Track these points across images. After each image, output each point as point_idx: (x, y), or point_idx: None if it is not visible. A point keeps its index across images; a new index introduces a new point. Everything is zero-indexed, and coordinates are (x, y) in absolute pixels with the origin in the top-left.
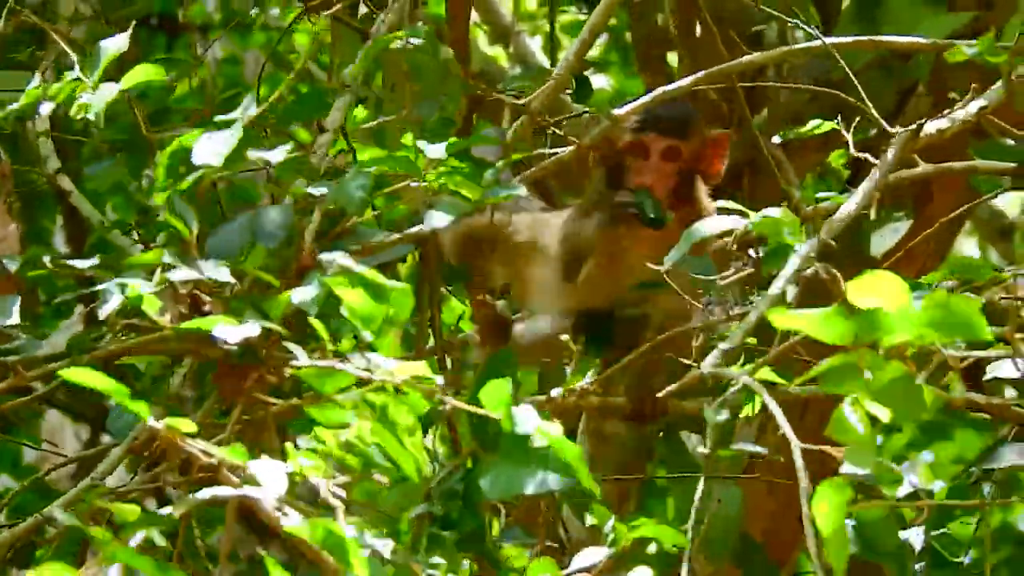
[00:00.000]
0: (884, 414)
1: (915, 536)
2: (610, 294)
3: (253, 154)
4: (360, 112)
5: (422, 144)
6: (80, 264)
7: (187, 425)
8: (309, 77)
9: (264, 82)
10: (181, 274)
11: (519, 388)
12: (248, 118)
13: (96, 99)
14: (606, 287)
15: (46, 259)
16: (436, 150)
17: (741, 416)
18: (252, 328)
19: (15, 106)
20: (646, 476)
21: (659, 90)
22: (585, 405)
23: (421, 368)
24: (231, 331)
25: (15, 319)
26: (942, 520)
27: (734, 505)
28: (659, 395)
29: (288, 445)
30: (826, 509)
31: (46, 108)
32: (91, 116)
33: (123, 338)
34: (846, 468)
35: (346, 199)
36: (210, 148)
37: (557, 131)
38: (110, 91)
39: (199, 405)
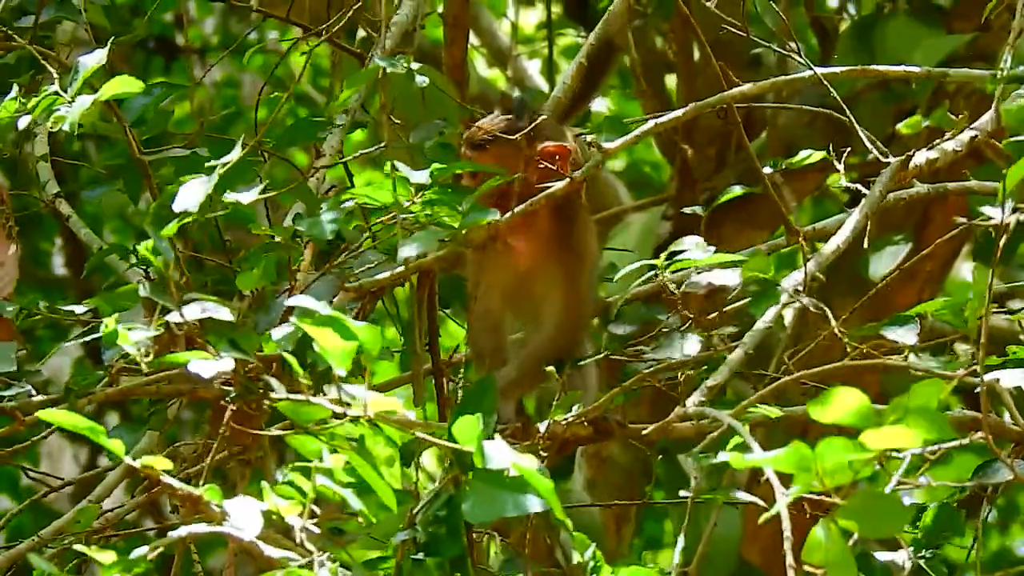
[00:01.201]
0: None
1: (903, 559)
2: (510, 309)
3: (229, 197)
4: (358, 136)
5: (405, 170)
6: (78, 310)
7: (162, 463)
8: (308, 101)
9: (262, 105)
10: (187, 312)
11: (490, 415)
12: (229, 163)
13: (72, 111)
14: (501, 304)
15: (41, 304)
16: (420, 176)
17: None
18: (226, 363)
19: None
20: (644, 499)
21: (652, 121)
22: (572, 434)
23: (392, 403)
24: (205, 366)
25: (12, 367)
26: (934, 542)
27: (732, 528)
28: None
29: (263, 484)
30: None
31: (23, 122)
32: (66, 127)
33: (125, 378)
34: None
35: (319, 233)
36: (189, 196)
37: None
38: (85, 102)
39: (197, 428)
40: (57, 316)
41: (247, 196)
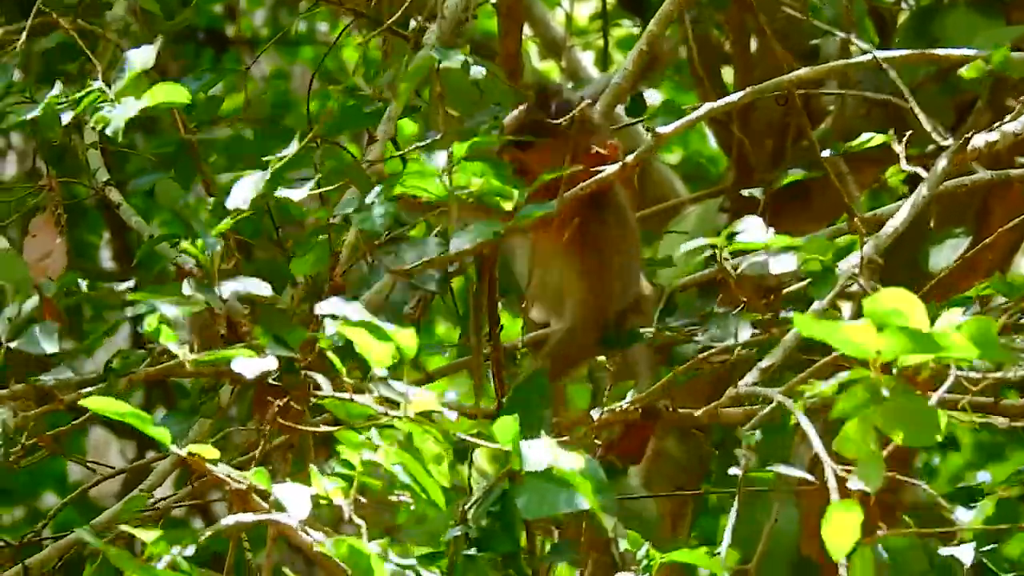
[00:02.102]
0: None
1: (964, 553)
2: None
3: (281, 193)
4: (410, 125)
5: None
6: (118, 287)
7: (209, 451)
8: (358, 92)
9: (312, 97)
10: (225, 290)
11: (549, 411)
12: (285, 158)
13: (116, 115)
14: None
15: (82, 283)
16: (459, 149)
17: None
18: (269, 362)
19: (35, 112)
20: (700, 494)
21: (707, 106)
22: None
23: (434, 402)
24: (249, 364)
25: (55, 347)
26: (995, 537)
27: (791, 524)
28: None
29: (312, 468)
30: (837, 532)
31: (66, 117)
32: (108, 131)
33: (163, 358)
34: (854, 484)
35: (370, 225)
36: (242, 193)
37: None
38: (130, 108)
39: (246, 422)
40: (97, 293)
41: (298, 193)
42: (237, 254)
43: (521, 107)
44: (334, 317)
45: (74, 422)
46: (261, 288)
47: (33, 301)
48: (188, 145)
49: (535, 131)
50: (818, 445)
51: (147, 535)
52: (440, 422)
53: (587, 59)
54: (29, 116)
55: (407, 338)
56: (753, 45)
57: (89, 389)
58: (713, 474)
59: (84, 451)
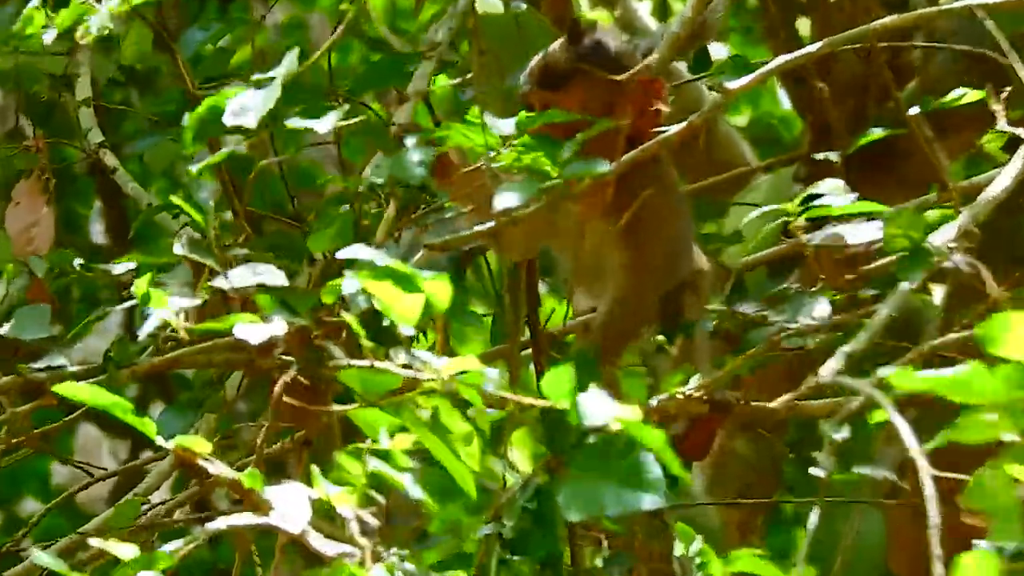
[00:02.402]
0: None
1: None
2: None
3: (295, 122)
4: (445, 82)
5: (490, 119)
6: (116, 269)
7: (201, 445)
8: (384, 45)
9: (333, 50)
10: (235, 277)
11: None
12: (296, 71)
13: (98, 16)
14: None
15: (76, 262)
16: (506, 125)
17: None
18: (277, 326)
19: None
20: (772, 501)
21: (780, 59)
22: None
23: (472, 363)
24: (253, 330)
25: (46, 331)
26: None
27: (875, 535)
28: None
29: (314, 468)
30: None
31: (50, 36)
32: (93, 30)
33: (168, 345)
34: (989, 544)
35: (405, 173)
36: (244, 107)
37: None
38: (112, 4)
39: (255, 418)
40: (92, 275)
41: (323, 123)
42: (246, 227)
43: (550, 47)
44: (354, 266)
45: (66, 418)
46: (275, 277)
47: (20, 280)
48: (193, 103)
49: (566, 70)
50: (913, 445)
51: (123, 550)
52: (478, 388)
53: (644, 8)
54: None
55: (439, 288)
56: None
57: (86, 383)
58: (787, 477)
59: (71, 450)
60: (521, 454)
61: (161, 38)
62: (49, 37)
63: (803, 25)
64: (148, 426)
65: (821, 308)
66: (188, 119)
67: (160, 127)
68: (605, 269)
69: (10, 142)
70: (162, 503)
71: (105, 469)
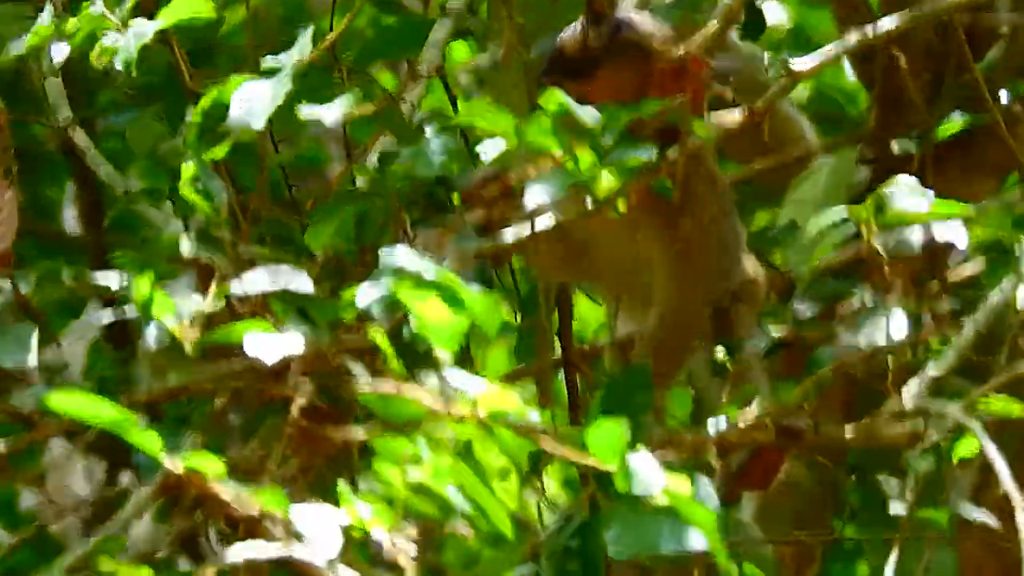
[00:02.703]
0: None
1: None
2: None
3: (306, 111)
4: (463, 50)
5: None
6: (109, 281)
7: (213, 465)
8: (396, 6)
9: (337, 11)
10: (248, 284)
11: (644, 417)
12: (301, 63)
13: (126, 41)
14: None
15: (65, 274)
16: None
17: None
18: (294, 341)
19: (18, 45)
20: (832, 533)
21: (851, 36)
22: (754, 439)
23: (512, 399)
24: (267, 344)
25: (33, 357)
26: None
27: (946, 573)
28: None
29: (342, 488)
30: None
31: (59, 52)
32: (118, 64)
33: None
34: None
35: (424, 164)
36: (249, 104)
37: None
38: (144, 31)
39: (247, 433)
40: (77, 286)
41: (331, 111)
42: (243, 219)
43: (567, 29)
44: (394, 274)
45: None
46: (301, 281)
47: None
48: (178, 73)
49: (593, 56)
50: (1008, 480)
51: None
52: (518, 426)
53: None
54: None
55: (488, 306)
56: None
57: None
58: (849, 504)
59: (40, 469)
60: (553, 479)
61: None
62: (58, 53)
63: None
64: (152, 443)
65: (898, 325)
66: (190, 115)
67: (140, 102)
68: (649, 282)
69: None
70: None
71: (77, 492)
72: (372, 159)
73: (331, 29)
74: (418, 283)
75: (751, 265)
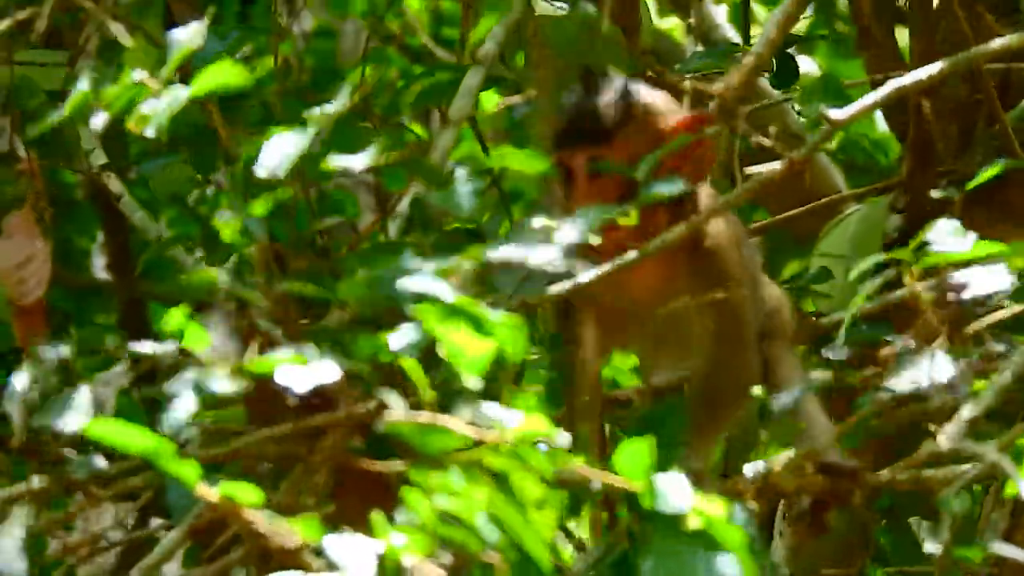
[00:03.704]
0: None
1: None
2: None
3: (336, 161)
4: (493, 98)
5: None
6: (158, 350)
7: (249, 494)
8: (427, 56)
9: (367, 60)
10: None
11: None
12: (334, 115)
13: (160, 106)
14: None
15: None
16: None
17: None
18: (329, 371)
19: (60, 112)
20: (863, 574)
21: (888, 86)
22: (784, 487)
23: (543, 423)
24: (299, 375)
25: (85, 420)
26: None
27: None
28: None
29: (376, 516)
30: None
31: (99, 120)
32: (150, 132)
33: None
34: None
35: (454, 206)
36: (277, 156)
37: (759, 140)
38: (177, 97)
39: (277, 478)
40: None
41: (359, 160)
42: (273, 266)
43: (565, 96)
44: (420, 300)
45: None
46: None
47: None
48: (208, 122)
49: (612, 121)
50: None
51: None
52: (552, 454)
53: (720, 14)
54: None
55: (514, 330)
56: None
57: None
58: (880, 545)
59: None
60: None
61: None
62: (97, 122)
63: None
64: (189, 471)
65: (942, 370)
66: (228, 177)
67: (173, 149)
68: (687, 337)
69: (2, 165)
70: None
71: (106, 533)
72: (403, 205)
73: (362, 78)
74: (442, 309)
75: (774, 292)
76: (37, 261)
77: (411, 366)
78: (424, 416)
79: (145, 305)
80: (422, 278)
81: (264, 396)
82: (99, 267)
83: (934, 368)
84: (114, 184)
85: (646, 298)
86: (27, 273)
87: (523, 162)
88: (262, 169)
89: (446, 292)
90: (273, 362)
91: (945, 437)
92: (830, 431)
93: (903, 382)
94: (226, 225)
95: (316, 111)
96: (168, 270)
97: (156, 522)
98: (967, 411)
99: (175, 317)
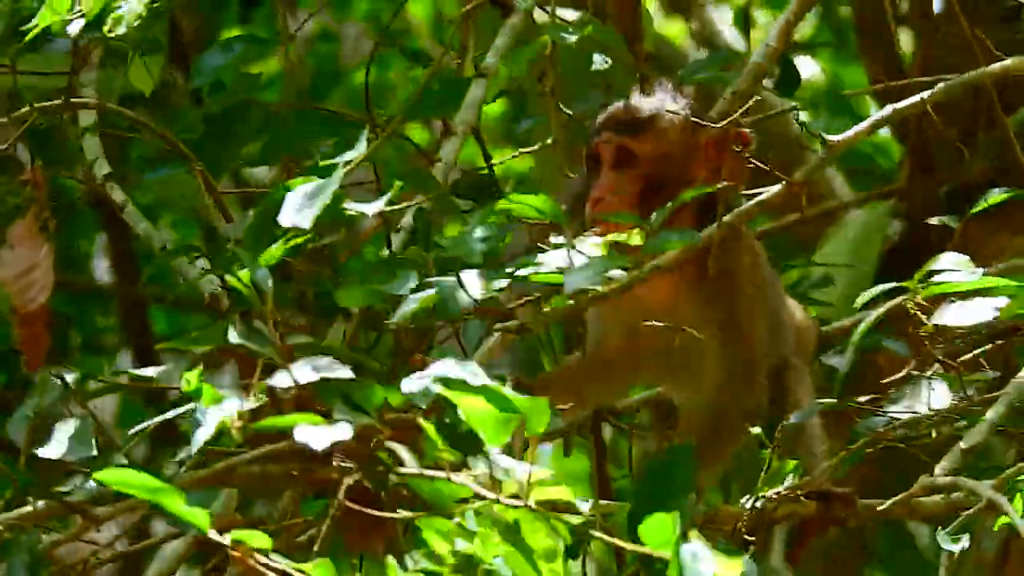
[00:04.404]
0: None
1: None
2: (641, 362)
3: (351, 207)
4: (498, 107)
5: None
6: (163, 377)
7: (259, 540)
8: (428, 61)
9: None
10: (297, 374)
11: (695, 498)
12: (353, 163)
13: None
14: (623, 355)
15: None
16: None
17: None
18: (342, 429)
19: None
20: None
21: (888, 108)
22: (781, 515)
23: (562, 491)
24: (317, 433)
25: (91, 451)
26: None
27: None
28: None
29: (389, 560)
30: None
31: (75, 27)
32: (123, 28)
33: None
34: None
35: (466, 252)
36: (301, 208)
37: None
38: None
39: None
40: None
41: (372, 207)
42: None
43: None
44: (447, 383)
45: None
46: (338, 370)
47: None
48: (216, 130)
49: (647, 115)
50: None
51: None
52: (566, 513)
53: (723, 19)
54: None
55: (537, 408)
56: (937, 2)
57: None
58: (877, 550)
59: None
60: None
61: (174, 51)
62: (74, 28)
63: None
64: (199, 517)
65: (940, 396)
66: (246, 225)
67: (176, 157)
68: (697, 357)
69: (4, 174)
70: None
71: (107, 542)
72: (407, 220)
73: (366, 82)
74: (466, 387)
75: (799, 313)
76: (40, 269)
77: (427, 426)
78: (438, 472)
79: (146, 309)
80: (450, 364)
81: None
82: (100, 270)
83: (933, 396)
84: (117, 194)
85: (654, 315)
86: (30, 280)
87: (534, 208)
88: (288, 219)
89: (474, 374)
90: (292, 420)
91: (940, 469)
92: (826, 455)
93: (901, 407)
94: (236, 281)
95: (338, 160)
96: (171, 279)
97: (159, 528)
98: (963, 443)
99: (193, 379)
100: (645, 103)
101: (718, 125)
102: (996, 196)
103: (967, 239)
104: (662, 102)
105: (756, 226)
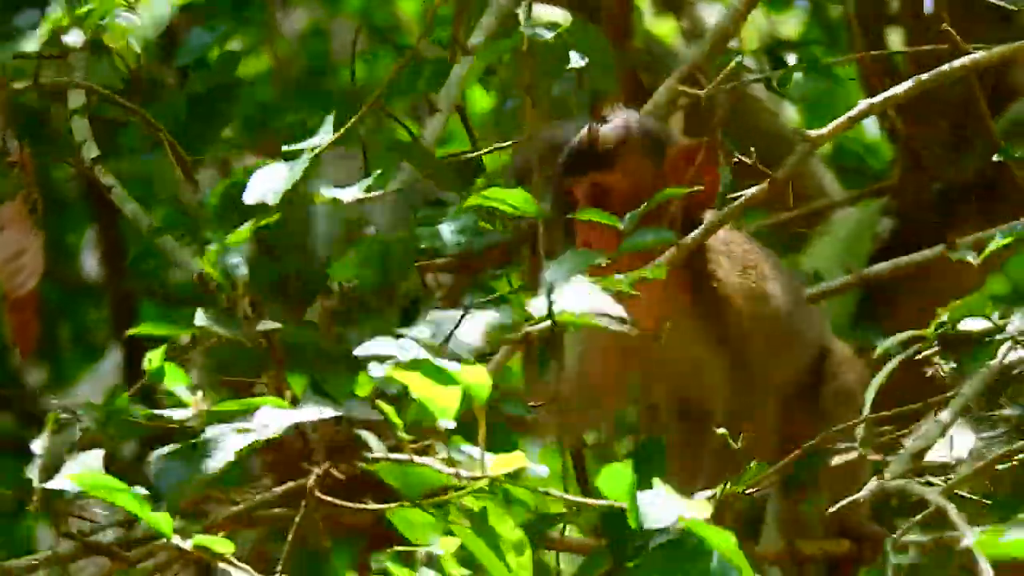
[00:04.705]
0: None
1: None
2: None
3: (325, 192)
4: (481, 93)
5: None
6: (177, 415)
7: (223, 545)
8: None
9: (358, 59)
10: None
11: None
12: (320, 148)
13: (142, 20)
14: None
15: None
16: None
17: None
18: (307, 413)
19: (37, 34)
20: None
21: (865, 102)
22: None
23: (520, 458)
24: (276, 416)
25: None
26: None
27: None
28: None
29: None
30: None
31: (74, 36)
32: (134, 43)
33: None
34: None
35: (440, 245)
36: (266, 185)
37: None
38: (162, 8)
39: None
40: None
41: (347, 193)
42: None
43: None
44: (380, 359)
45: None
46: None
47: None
48: (202, 111)
49: (615, 147)
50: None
51: None
52: (530, 485)
53: (714, 16)
54: None
55: (477, 376)
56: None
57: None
58: None
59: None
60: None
61: (164, 38)
62: (72, 39)
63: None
64: (163, 523)
65: (963, 442)
66: (209, 195)
67: (159, 140)
68: (699, 380)
69: None
70: None
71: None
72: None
73: (352, 77)
74: (406, 364)
75: (835, 343)
76: (30, 253)
77: (387, 408)
78: (401, 456)
79: (135, 301)
80: (378, 342)
81: (278, 447)
82: (89, 265)
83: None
84: (106, 177)
85: (647, 330)
86: (19, 265)
87: (516, 204)
88: (252, 195)
89: (404, 350)
90: (254, 403)
91: (889, 473)
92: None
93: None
94: (206, 262)
95: (304, 144)
96: (158, 261)
97: None
98: (911, 444)
99: (155, 359)
100: (608, 132)
101: (683, 141)
102: (997, 242)
103: (959, 235)
104: (625, 127)
105: (745, 224)
